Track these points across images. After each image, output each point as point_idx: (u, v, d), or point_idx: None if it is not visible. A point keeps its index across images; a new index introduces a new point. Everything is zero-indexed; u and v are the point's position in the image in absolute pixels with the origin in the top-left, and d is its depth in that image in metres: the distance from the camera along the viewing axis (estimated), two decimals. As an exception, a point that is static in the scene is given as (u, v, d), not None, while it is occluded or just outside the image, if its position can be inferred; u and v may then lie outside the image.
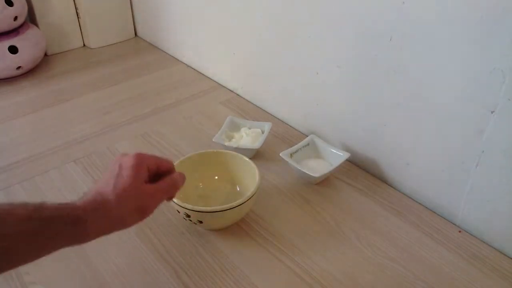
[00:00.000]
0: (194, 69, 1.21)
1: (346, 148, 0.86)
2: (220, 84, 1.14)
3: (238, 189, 0.75)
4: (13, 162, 0.85)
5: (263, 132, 0.88)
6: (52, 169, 0.83)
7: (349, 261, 0.66)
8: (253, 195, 0.66)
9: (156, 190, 0.55)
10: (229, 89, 1.11)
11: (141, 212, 0.53)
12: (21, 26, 1.14)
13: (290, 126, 0.97)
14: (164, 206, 0.65)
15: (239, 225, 0.72)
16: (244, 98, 1.07)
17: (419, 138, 0.74)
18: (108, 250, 0.67)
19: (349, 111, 0.84)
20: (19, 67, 1.14)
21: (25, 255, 0.46)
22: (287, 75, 0.94)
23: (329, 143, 0.84)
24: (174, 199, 0.63)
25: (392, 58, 0.72)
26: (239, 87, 1.09)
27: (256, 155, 0.85)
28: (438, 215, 0.74)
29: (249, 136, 0.86)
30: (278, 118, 1.00)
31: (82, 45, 1.35)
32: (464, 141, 0.67)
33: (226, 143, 0.84)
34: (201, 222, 0.66)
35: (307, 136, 0.88)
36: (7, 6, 1.08)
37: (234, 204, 0.64)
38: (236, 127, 0.90)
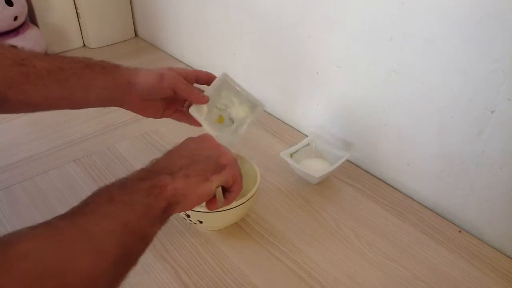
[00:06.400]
0: (194, 69, 1.21)
1: (346, 148, 0.86)
2: (220, 84, 1.13)
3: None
4: (13, 162, 0.85)
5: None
6: (52, 169, 0.83)
7: (349, 261, 0.66)
8: (253, 195, 0.66)
9: None
10: (229, 89, 1.11)
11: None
12: (21, 26, 1.14)
13: (290, 126, 0.97)
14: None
15: (239, 225, 0.72)
16: (244, 98, 1.07)
17: (419, 138, 0.74)
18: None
19: (349, 111, 0.84)
20: (19, 67, 1.14)
21: None
22: (287, 75, 0.94)
23: (329, 143, 0.84)
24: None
25: (392, 58, 0.72)
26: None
27: (256, 155, 0.85)
28: (438, 215, 0.75)
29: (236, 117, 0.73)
30: (278, 118, 1.00)
31: (82, 45, 1.35)
32: (464, 141, 0.67)
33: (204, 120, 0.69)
34: (201, 222, 0.66)
35: (307, 136, 0.88)
36: (7, 6, 1.08)
37: (234, 204, 0.64)
38: (227, 88, 0.72)
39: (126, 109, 0.69)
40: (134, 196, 0.45)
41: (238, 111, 0.73)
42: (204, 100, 0.68)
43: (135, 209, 0.44)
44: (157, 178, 0.48)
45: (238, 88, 0.73)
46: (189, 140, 0.57)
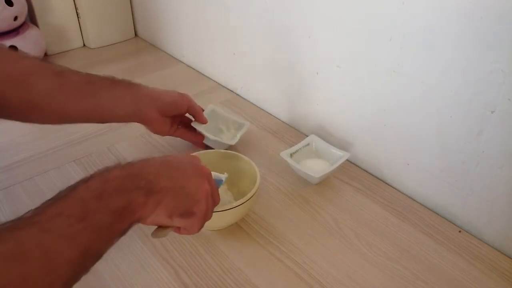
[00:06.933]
0: (194, 69, 1.21)
1: (346, 148, 0.86)
2: (220, 84, 1.13)
3: (238, 189, 0.75)
4: (13, 162, 0.85)
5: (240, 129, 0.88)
6: (52, 169, 0.83)
7: (349, 261, 0.66)
8: (253, 195, 0.66)
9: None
10: (229, 89, 1.11)
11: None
12: (21, 26, 1.14)
13: (290, 126, 0.97)
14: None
15: (239, 225, 0.72)
16: (244, 98, 1.07)
17: (419, 138, 0.74)
18: (108, 250, 0.67)
19: (349, 111, 0.84)
20: (19, 67, 1.13)
21: None
22: (287, 75, 0.94)
23: (329, 143, 0.84)
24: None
25: (392, 58, 0.72)
26: (239, 87, 1.09)
27: (256, 155, 0.85)
28: (438, 215, 0.75)
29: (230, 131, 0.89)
30: (278, 118, 1.00)
31: (82, 45, 1.35)
32: (464, 141, 0.67)
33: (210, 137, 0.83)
34: (201, 222, 0.66)
35: (307, 136, 0.88)
36: (7, 6, 1.08)
37: (234, 204, 0.64)
38: (214, 119, 0.88)
39: (143, 124, 0.77)
40: (104, 217, 0.44)
41: (228, 135, 0.88)
42: (205, 121, 0.82)
43: (101, 233, 0.44)
44: (134, 196, 0.47)
45: (224, 116, 0.89)
46: (191, 162, 0.57)
